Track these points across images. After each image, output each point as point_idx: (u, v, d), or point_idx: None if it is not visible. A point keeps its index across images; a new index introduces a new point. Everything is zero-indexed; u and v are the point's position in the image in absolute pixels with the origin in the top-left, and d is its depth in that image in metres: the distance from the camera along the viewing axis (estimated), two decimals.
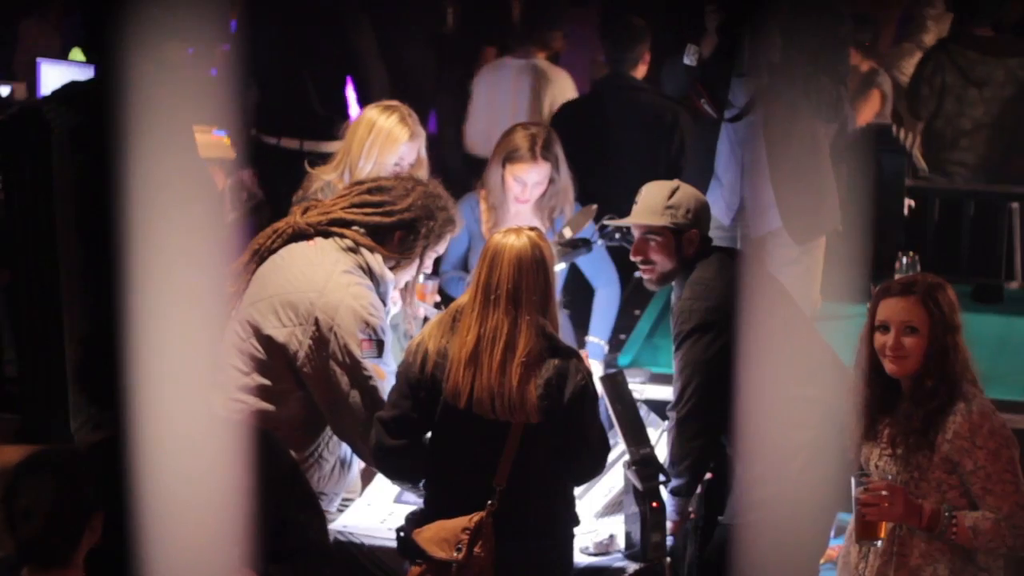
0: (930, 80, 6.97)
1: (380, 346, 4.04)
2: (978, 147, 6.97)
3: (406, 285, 4.34)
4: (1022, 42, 7.01)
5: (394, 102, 4.80)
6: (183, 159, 4.78)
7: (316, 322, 4.02)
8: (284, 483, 3.56)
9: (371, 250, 4.15)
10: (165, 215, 4.31)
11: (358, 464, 4.28)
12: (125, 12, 4.50)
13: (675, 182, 4.30)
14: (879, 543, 3.61)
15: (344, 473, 4.23)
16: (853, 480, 3.62)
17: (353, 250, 4.13)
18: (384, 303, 4.15)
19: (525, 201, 5.15)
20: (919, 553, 3.63)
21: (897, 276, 5.44)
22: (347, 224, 4.17)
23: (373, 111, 4.74)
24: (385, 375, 4.03)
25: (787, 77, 5.16)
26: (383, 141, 4.67)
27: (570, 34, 8.88)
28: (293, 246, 4.18)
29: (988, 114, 6.92)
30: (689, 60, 5.22)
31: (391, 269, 4.19)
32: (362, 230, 4.16)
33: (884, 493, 3.55)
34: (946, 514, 3.54)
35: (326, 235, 4.17)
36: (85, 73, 7.00)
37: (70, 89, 6.04)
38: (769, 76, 5.17)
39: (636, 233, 4.27)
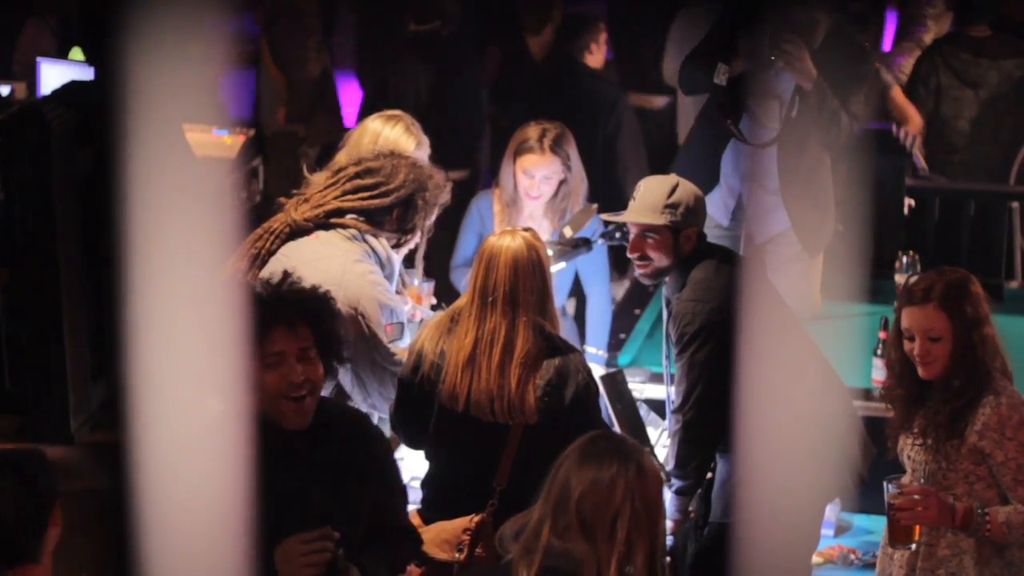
0: (925, 81, 6.98)
1: (402, 328, 4.13)
2: (978, 149, 6.97)
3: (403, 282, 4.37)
4: (1016, 43, 7.00)
5: (397, 111, 4.78)
6: (184, 158, 4.77)
7: (346, 315, 4.04)
8: (384, 466, 3.54)
9: (374, 235, 4.18)
10: (166, 214, 4.30)
11: None
12: (125, 11, 4.49)
13: (673, 178, 4.27)
14: (913, 546, 3.62)
15: None
16: (886, 484, 3.62)
17: (357, 238, 4.16)
18: (391, 283, 4.20)
19: (536, 197, 5.13)
20: (946, 544, 3.64)
21: (897, 276, 5.45)
22: (344, 213, 4.19)
23: (376, 122, 4.71)
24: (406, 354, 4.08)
25: (816, 106, 5.17)
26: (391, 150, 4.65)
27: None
28: (296, 243, 4.18)
29: (985, 115, 6.92)
30: (719, 80, 5.20)
31: (394, 247, 4.23)
32: (360, 216, 4.18)
33: (917, 497, 3.55)
34: (979, 511, 3.55)
35: (326, 227, 4.18)
36: (85, 73, 7.00)
37: (70, 89, 6.04)
38: (800, 103, 5.18)
39: (633, 230, 4.24)
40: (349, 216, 4.18)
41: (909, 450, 3.73)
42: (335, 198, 4.20)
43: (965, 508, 3.55)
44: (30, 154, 5.05)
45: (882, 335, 4.91)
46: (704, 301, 4.09)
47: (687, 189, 4.22)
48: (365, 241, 4.17)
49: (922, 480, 3.67)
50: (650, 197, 4.20)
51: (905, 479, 3.76)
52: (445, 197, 4.32)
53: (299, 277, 3.47)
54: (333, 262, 4.10)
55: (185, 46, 4.32)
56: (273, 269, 4.18)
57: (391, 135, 4.66)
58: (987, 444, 3.57)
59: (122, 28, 4.41)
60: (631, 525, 2.85)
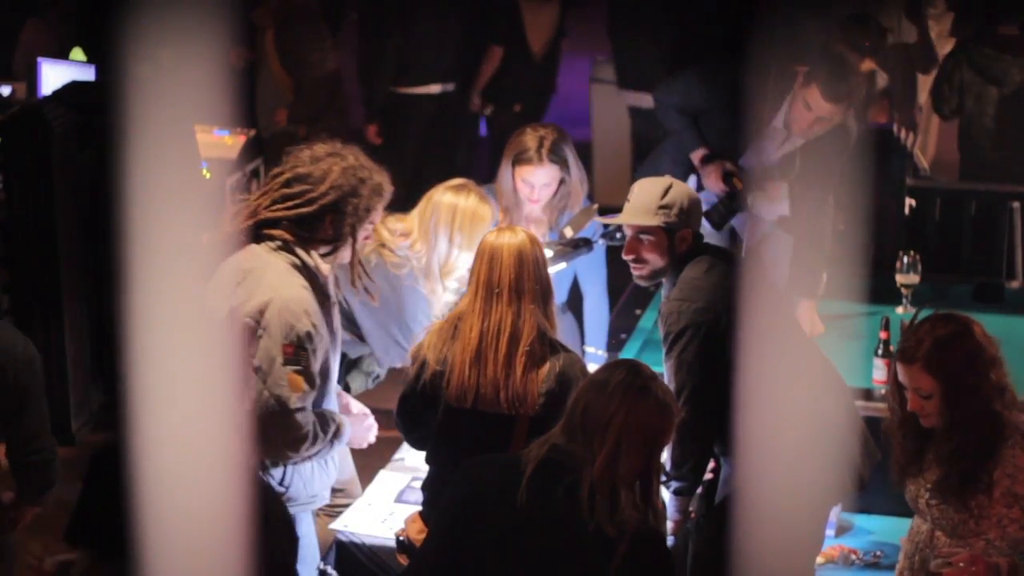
0: (949, 78, 6.97)
1: (304, 355, 3.89)
2: (1005, 146, 6.95)
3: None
4: None
5: (462, 180, 4.77)
6: (183, 159, 4.77)
7: (247, 328, 3.89)
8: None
9: (301, 245, 3.99)
10: (165, 215, 4.30)
11: (333, 460, 4.17)
12: (126, 11, 4.50)
13: (667, 179, 4.25)
14: None
15: (323, 470, 4.12)
16: (929, 553, 3.58)
17: (284, 249, 3.98)
18: (328, 295, 4.03)
19: (536, 202, 5.13)
20: None
21: (897, 276, 5.44)
22: (275, 224, 4.00)
23: (448, 195, 4.67)
24: (303, 387, 3.89)
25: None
26: (471, 222, 4.63)
27: (570, 34, 8.91)
28: (230, 259, 4.02)
29: (1011, 112, 6.91)
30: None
31: (328, 255, 4.04)
32: (292, 226, 3.99)
33: (963, 565, 3.44)
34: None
35: (259, 238, 4.01)
36: (86, 73, 7.01)
37: (71, 89, 6.04)
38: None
39: (628, 232, 4.22)
40: (281, 226, 3.99)
41: (927, 501, 3.62)
42: (265, 208, 4.02)
43: (1009, 563, 3.45)
44: (31, 154, 5.06)
45: (883, 335, 4.90)
46: (690, 300, 4.07)
47: (681, 190, 4.21)
48: (292, 252, 3.98)
49: (947, 531, 3.59)
50: (644, 198, 4.19)
51: (922, 525, 3.70)
52: (385, 198, 4.11)
53: None
54: (251, 276, 3.94)
55: (186, 46, 4.32)
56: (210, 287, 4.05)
57: (468, 206, 4.63)
58: (1021, 487, 3.47)
59: (123, 28, 4.41)
60: (620, 435, 3.13)
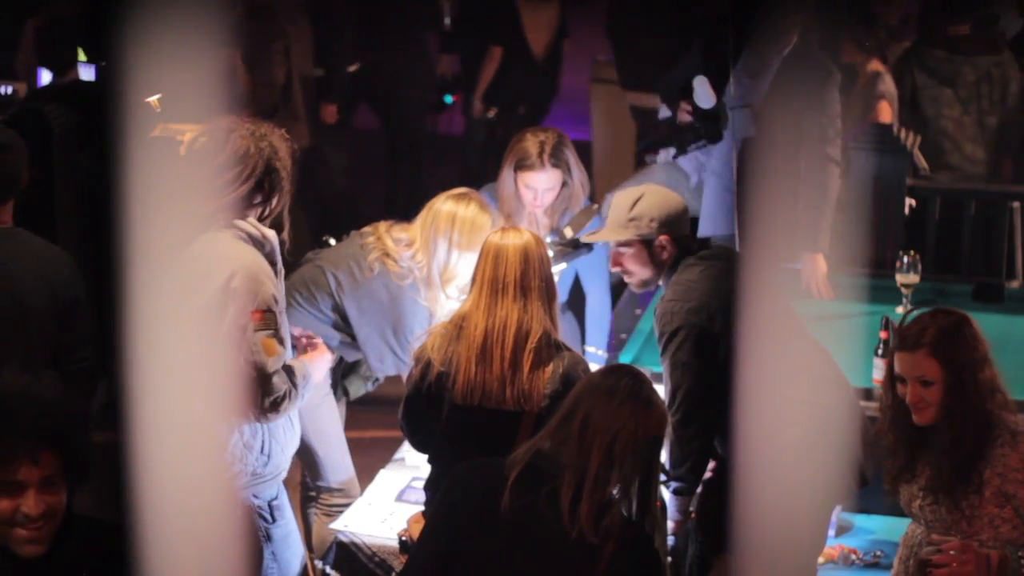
0: (900, 82, 6.95)
1: (272, 318, 3.92)
2: (962, 148, 6.94)
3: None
4: (993, 41, 6.97)
5: (464, 189, 4.75)
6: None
7: (218, 305, 3.91)
8: None
9: (240, 217, 4.01)
10: (168, 215, 4.31)
11: (296, 416, 4.18)
12: (126, 11, 4.50)
13: (640, 190, 4.27)
14: None
15: (292, 430, 4.15)
16: (921, 540, 3.59)
17: (227, 227, 4.01)
18: (275, 262, 4.05)
19: (539, 206, 5.14)
20: None
21: (897, 276, 5.44)
22: (219, 212, 4.02)
23: (448, 203, 4.67)
24: (277, 350, 3.92)
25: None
26: (470, 230, 4.62)
27: (570, 34, 8.91)
28: (180, 256, 4.05)
29: (967, 113, 6.89)
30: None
31: (267, 215, 4.07)
32: (231, 205, 4.01)
33: (953, 553, 3.46)
34: (1014, 556, 3.47)
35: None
36: (86, 73, 7.01)
37: (71, 89, 6.05)
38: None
39: (612, 245, 4.29)
40: (220, 211, 4.01)
41: (921, 503, 3.64)
42: (205, 201, 4.03)
43: (1000, 556, 3.47)
44: (30, 153, 5.06)
45: (883, 335, 4.90)
46: (683, 300, 4.09)
47: (651, 200, 4.21)
48: (236, 227, 4.00)
49: (941, 533, 3.60)
50: (615, 213, 4.24)
51: (916, 529, 3.71)
52: (289, 141, 4.13)
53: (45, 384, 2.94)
54: (202, 260, 3.98)
55: (185, 46, 4.32)
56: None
57: (467, 214, 4.63)
58: (1011, 486, 3.49)
59: (123, 28, 4.41)
60: (629, 449, 3.11)
